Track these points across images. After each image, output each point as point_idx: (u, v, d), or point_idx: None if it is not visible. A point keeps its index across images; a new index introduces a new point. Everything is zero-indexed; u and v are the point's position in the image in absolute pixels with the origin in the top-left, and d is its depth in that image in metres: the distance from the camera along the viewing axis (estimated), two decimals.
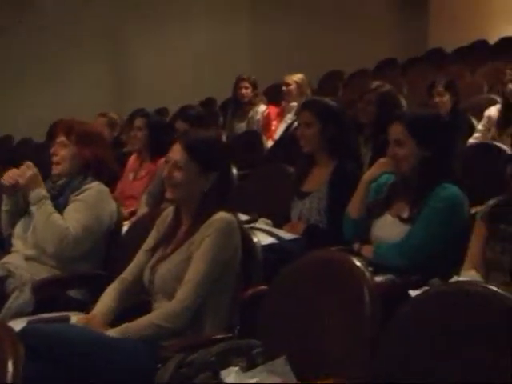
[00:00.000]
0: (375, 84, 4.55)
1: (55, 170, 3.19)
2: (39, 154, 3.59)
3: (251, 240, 2.71)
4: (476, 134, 4.87)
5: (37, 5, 8.67)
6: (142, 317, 2.45)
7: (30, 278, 2.97)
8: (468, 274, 2.50)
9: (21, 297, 2.89)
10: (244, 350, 2.26)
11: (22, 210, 3.20)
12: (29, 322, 2.53)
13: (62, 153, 3.18)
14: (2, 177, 3.17)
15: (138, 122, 4.70)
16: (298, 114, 4.48)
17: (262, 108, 6.44)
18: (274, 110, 6.49)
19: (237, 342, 2.36)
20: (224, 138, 5.82)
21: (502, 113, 4.77)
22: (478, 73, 7.22)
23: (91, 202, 3.11)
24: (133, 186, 4.59)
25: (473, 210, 2.90)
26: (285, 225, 3.43)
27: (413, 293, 2.31)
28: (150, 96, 8.24)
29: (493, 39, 9.04)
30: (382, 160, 3.05)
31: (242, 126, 6.41)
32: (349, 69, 9.00)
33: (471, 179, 3.04)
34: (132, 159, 4.80)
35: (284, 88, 6.46)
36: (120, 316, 2.59)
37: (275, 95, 6.96)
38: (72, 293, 3.06)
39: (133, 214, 4.17)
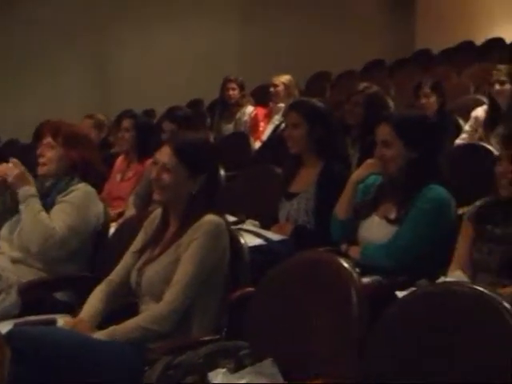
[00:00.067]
0: (362, 85, 4.57)
1: (41, 170, 3.18)
2: (26, 155, 3.58)
3: (238, 241, 2.70)
4: (463, 135, 4.89)
5: (22, 5, 8.62)
6: (129, 319, 2.45)
7: (16, 281, 2.96)
8: (454, 275, 2.51)
9: (7, 299, 2.87)
10: (231, 352, 2.25)
11: (9, 211, 3.19)
12: (15, 325, 2.52)
13: (49, 154, 3.17)
14: None
15: (126, 123, 4.69)
16: (285, 115, 4.48)
17: (250, 109, 6.44)
18: (261, 111, 6.49)
19: (224, 343, 2.36)
20: (211, 140, 5.81)
21: (489, 113, 4.79)
22: (464, 74, 7.25)
23: (78, 202, 3.10)
24: (120, 187, 4.58)
25: (460, 211, 2.91)
26: (272, 226, 3.43)
27: (400, 294, 2.31)
28: (137, 97, 8.21)
29: (479, 40, 9.09)
30: (369, 161, 3.05)
31: (229, 128, 6.41)
32: (336, 70, 9.01)
33: (458, 180, 3.05)
34: (119, 160, 4.79)
35: (271, 89, 6.46)
36: (107, 318, 2.58)
37: (263, 96, 6.96)
38: (58, 295, 3.05)
39: (120, 215, 4.16)
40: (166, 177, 2.55)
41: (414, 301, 2.04)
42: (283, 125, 5.03)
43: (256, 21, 9.53)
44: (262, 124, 6.35)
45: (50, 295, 3.04)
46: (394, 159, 2.90)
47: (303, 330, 2.25)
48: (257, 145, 5.70)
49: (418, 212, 2.83)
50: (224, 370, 2.16)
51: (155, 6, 9.06)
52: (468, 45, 9.07)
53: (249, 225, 3.39)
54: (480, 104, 5.09)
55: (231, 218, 3.16)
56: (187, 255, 2.48)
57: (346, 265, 2.24)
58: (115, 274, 2.68)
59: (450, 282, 2.30)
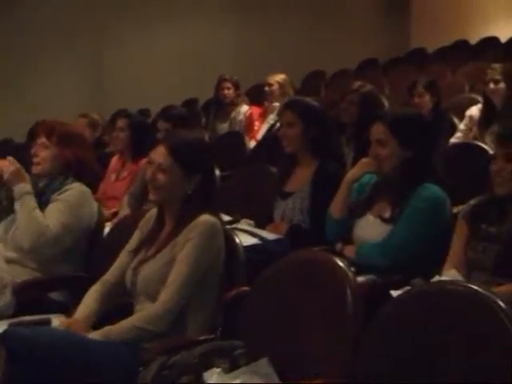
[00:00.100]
0: (357, 84, 4.56)
1: (35, 170, 3.18)
2: (20, 155, 3.57)
3: (234, 241, 2.70)
4: (458, 134, 4.89)
5: (16, 4, 8.60)
6: (124, 319, 2.44)
7: (10, 281, 2.95)
8: (449, 274, 2.51)
9: (1, 299, 2.87)
10: (226, 352, 2.25)
11: (4, 210, 3.18)
12: (9, 325, 2.51)
13: (43, 154, 3.17)
14: None
15: (120, 122, 4.69)
16: (280, 114, 4.49)
17: (245, 108, 6.44)
18: (256, 110, 6.49)
19: (219, 343, 2.36)
20: (206, 139, 5.81)
21: (484, 112, 4.80)
22: (459, 73, 7.25)
23: (72, 201, 3.10)
24: (115, 186, 4.58)
25: (455, 210, 2.91)
26: (268, 225, 3.42)
27: (394, 293, 2.31)
28: (131, 97, 8.20)
29: (474, 39, 9.10)
30: (364, 160, 3.05)
31: (224, 127, 6.40)
32: (331, 69, 9.01)
33: (453, 179, 3.05)
34: (114, 160, 4.79)
35: (266, 88, 6.46)
36: (102, 318, 2.57)
37: (257, 95, 6.96)
38: (53, 295, 3.05)
39: (115, 214, 4.15)
40: (161, 177, 2.55)
41: (408, 300, 2.04)
42: (278, 124, 5.02)
43: (251, 20, 9.52)
44: (256, 123, 6.35)
45: (44, 295, 3.03)
46: (389, 158, 2.90)
47: (298, 330, 2.25)
48: (252, 144, 5.70)
49: (413, 211, 2.83)
50: (219, 369, 2.16)
51: (153, 6, 9.05)
52: (463, 44, 9.08)
53: (244, 224, 3.39)
54: (475, 103, 5.09)
55: (226, 218, 3.16)
56: (182, 255, 2.47)
57: (340, 264, 2.24)
58: (110, 274, 2.67)
59: (444, 281, 2.30)
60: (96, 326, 2.50)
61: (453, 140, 4.81)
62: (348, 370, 2.03)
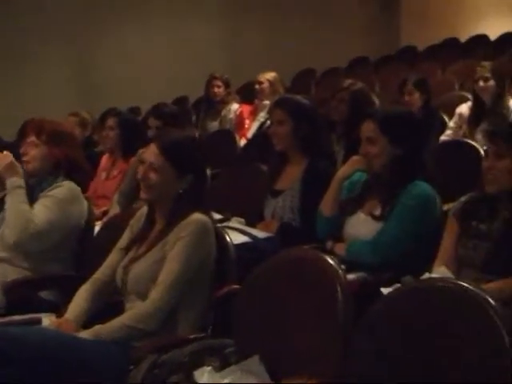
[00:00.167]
0: (347, 82, 4.56)
1: (25, 168, 3.16)
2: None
3: (224, 239, 2.70)
4: (447, 131, 4.91)
5: (3, 3, 8.56)
6: (114, 318, 2.44)
7: (0, 280, 2.94)
8: (439, 271, 2.52)
9: None
10: (217, 350, 2.25)
11: None
12: None
13: (33, 152, 3.15)
14: None
15: (110, 121, 4.67)
16: (270, 112, 4.47)
17: (235, 107, 6.43)
18: (246, 108, 6.49)
19: (210, 341, 2.36)
20: (197, 137, 5.80)
21: (473, 110, 4.81)
22: (449, 70, 7.28)
23: (60, 197, 3.08)
24: (105, 185, 4.56)
25: (445, 207, 2.92)
26: (258, 223, 3.42)
27: (385, 290, 2.31)
28: (121, 95, 8.18)
29: (464, 37, 9.13)
30: (354, 158, 3.05)
31: (214, 125, 6.40)
32: (321, 67, 9.02)
33: (443, 176, 3.06)
34: (104, 159, 4.77)
35: (257, 86, 6.45)
36: (93, 317, 2.57)
37: (248, 94, 6.96)
38: (43, 294, 3.03)
39: (105, 213, 4.14)
40: (152, 176, 2.54)
41: (398, 297, 2.04)
42: (268, 122, 5.03)
43: (241, 19, 9.52)
44: (247, 121, 6.35)
45: (35, 294, 3.02)
46: (379, 156, 2.91)
47: (289, 328, 2.25)
48: (242, 142, 5.70)
49: (403, 208, 2.84)
50: (209, 368, 2.16)
51: (146, 4, 9.02)
52: (453, 41, 9.11)
53: (234, 222, 3.39)
54: (464, 100, 5.11)
55: (217, 216, 3.15)
56: (173, 253, 2.47)
57: (331, 262, 2.24)
58: (101, 273, 2.67)
59: (434, 278, 2.30)
60: (86, 325, 2.50)
61: (443, 138, 4.83)
62: (338, 367, 2.04)
